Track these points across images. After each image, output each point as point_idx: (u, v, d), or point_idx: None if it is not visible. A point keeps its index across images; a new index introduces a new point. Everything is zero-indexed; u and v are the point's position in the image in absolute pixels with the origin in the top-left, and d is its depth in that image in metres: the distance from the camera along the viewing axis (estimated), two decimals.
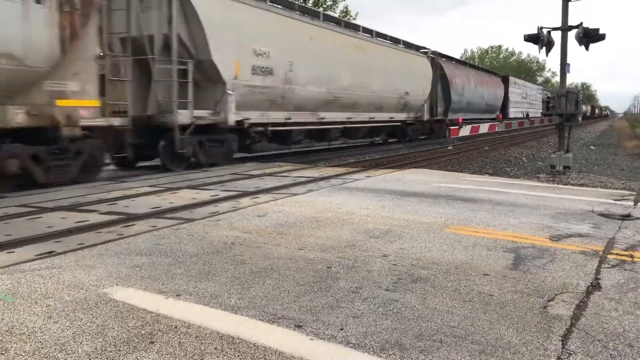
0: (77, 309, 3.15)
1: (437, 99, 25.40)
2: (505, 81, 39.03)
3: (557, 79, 14.13)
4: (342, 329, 2.91)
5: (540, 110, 46.76)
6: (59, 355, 2.58)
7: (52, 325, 2.93)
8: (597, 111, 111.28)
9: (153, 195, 7.67)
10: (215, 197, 7.40)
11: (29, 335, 2.80)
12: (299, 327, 2.94)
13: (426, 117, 24.28)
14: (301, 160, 14.47)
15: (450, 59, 29.42)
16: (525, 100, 44.68)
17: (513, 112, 39.65)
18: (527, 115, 41.22)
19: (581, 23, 12.14)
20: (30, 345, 2.67)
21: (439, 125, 26.01)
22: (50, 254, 4.40)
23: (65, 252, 4.44)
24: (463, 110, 28.85)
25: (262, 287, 3.59)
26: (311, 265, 4.09)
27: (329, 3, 34.92)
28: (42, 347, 2.65)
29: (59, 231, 5.21)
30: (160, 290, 3.52)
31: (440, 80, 25.60)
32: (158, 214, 6.20)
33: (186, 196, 7.51)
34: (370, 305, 3.26)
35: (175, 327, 2.91)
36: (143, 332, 2.85)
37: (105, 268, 3.98)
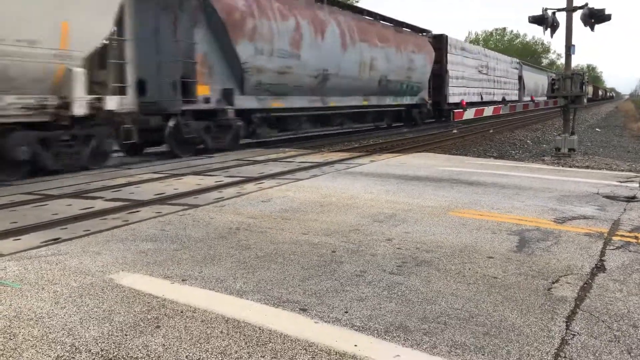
0: (84, 295, 3.18)
1: (185, 65, 11.40)
2: (440, 44, 23.14)
3: (562, 60, 13.98)
4: (346, 312, 2.92)
5: (516, 91, 38.72)
6: (66, 340, 2.60)
7: (59, 310, 2.95)
8: (600, 93, 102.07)
9: (157, 181, 7.69)
10: (220, 183, 7.41)
11: (36, 320, 2.83)
12: (304, 310, 2.96)
13: (109, 106, 9.13)
14: (305, 145, 14.44)
15: None
16: (485, 77, 29.42)
17: (455, 94, 24.76)
18: (482, 98, 28.37)
19: (586, 4, 12.00)
20: (38, 330, 2.70)
21: (215, 126, 12.24)
22: (57, 240, 4.43)
23: (71, 239, 4.46)
24: (306, 90, 14.57)
25: (267, 271, 3.61)
26: (316, 250, 4.10)
27: None
28: (49, 332, 2.68)
29: (64, 218, 5.24)
30: (166, 275, 3.54)
31: (210, 22, 11.85)
32: (163, 200, 6.22)
33: (190, 182, 7.53)
34: (374, 289, 3.28)
35: (181, 312, 2.94)
36: (149, 316, 2.88)
37: (111, 254, 4.01)
